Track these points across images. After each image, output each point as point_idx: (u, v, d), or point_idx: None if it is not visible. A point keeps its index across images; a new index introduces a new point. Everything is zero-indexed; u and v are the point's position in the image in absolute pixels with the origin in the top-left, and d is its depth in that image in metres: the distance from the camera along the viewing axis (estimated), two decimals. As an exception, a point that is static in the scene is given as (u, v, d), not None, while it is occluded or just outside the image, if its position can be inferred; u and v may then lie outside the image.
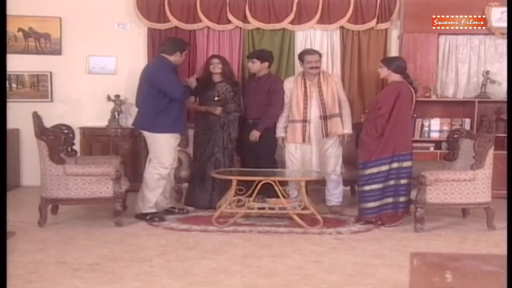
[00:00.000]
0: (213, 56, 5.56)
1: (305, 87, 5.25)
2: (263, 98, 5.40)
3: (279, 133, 5.43)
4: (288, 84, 5.41)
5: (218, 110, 5.28)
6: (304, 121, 5.24)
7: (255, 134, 5.35)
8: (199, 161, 5.46)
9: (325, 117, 5.21)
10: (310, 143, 5.27)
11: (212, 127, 5.34)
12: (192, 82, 5.17)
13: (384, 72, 4.84)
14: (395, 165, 4.65)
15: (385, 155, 4.64)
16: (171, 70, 4.88)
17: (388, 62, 4.89)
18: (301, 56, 5.37)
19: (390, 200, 4.71)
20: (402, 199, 4.73)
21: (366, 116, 4.96)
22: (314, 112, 5.24)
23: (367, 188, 4.72)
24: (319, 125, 5.23)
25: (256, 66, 5.43)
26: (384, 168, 4.65)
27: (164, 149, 4.88)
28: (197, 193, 5.45)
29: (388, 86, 4.89)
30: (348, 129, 5.29)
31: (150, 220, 4.85)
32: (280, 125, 5.41)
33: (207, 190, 5.34)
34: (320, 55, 5.37)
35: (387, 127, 4.64)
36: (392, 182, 4.68)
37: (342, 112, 5.28)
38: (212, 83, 5.38)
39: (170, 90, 4.79)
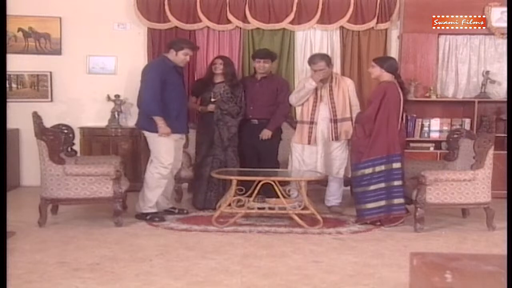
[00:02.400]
0: (218, 57, 5.56)
1: (316, 89, 5.23)
2: (270, 98, 5.44)
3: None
4: (304, 81, 5.37)
5: (211, 107, 5.29)
6: (311, 123, 5.23)
7: (267, 134, 5.39)
8: (196, 161, 5.46)
9: (335, 121, 5.19)
10: (316, 144, 5.27)
11: (208, 127, 5.33)
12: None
13: (376, 71, 4.80)
14: (383, 167, 4.62)
15: (374, 156, 4.62)
16: (158, 73, 4.79)
17: (381, 61, 4.87)
18: (309, 63, 5.32)
19: (383, 203, 4.67)
20: (396, 201, 4.68)
21: (356, 117, 4.97)
22: (323, 115, 5.22)
23: (360, 189, 4.71)
24: (328, 128, 5.21)
25: (268, 66, 5.48)
26: (376, 169, 4.63)
27: (163, 149, 4.88)
28: (194, 193, 5.47)
29: (377, 86, 4.87)
30: None
31: (150, 220, 4.85)
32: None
33: (202, 191, 5.35)
34: (327, 60, 5.21)
35: (374, 128, 4.63)
36: (383, 185, 4.64)
37: (352, 115, 5.25)
38: (211, 84, 5.38)
39: (142, 91, 4.87)
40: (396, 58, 6.20)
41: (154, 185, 4.92)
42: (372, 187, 4.66)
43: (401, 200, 4.70)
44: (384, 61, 4.86)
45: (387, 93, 4.64)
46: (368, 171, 4.65)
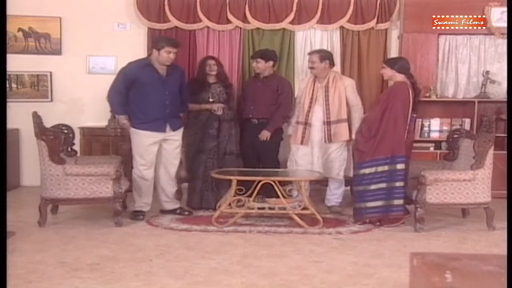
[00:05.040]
0: (209, 57, 5.58)
1: (313, 90, 5.24)
2: (270, 98, 5.44)
3: (289, 131, 5.50)
4: (302, 85, 5.43)
5: (215, 106, 5.29)
6: (306, 123, 5.24)
7: (266, 134, 5.39)
8: (189, 161, 5.43)
9: (329, 123, 5.18)
10: (312, 146, 5.26)
11: (202, 127, 5.32)
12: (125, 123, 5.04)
13: (388, 72, 4.81)
14: (386, 167, 4.62)
15: (378, 156, 4.62)
16: (124, 73, 4.89)
17: (392, 62, 4.88)
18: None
19: (380, 203, 4.67)
20: (396, 202, 4.67)
21: (364, 117, 4.97)
22: (317, 117, 5.22)
23: (361, 188, 4.71)
24: (322, 130, 5.21)
25: (260, 66, 5.46)
26: (378, 169, 4.63)
27: (133, 149, 4.95)
28: (189, 193, 5.47)
29: (389, 87, 4.88)
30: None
31: (133, 216, 4.95)
32: (291, 126, 5.48)
33: (197, 190, 5.34)
34: (321, 55, 5.24)
35: (380, 128, 4.62)
36: (384, 185, 4.64)
37: (352, 115, 5.24)
38: (207, 84, 5.39)
39: None
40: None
41: (135, 185, 4.99)
42: (372, 187, 4.66)
43: (401, 202, 4.69)
44: (395, 62, 4.86)
45: (396, 94, 4.65)
46: (371, 170, 4.64)
